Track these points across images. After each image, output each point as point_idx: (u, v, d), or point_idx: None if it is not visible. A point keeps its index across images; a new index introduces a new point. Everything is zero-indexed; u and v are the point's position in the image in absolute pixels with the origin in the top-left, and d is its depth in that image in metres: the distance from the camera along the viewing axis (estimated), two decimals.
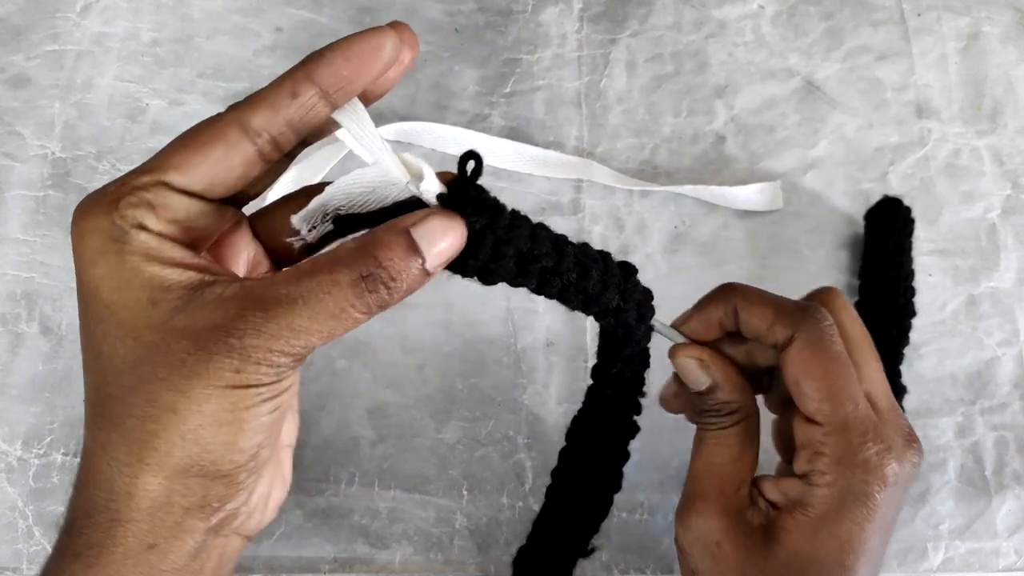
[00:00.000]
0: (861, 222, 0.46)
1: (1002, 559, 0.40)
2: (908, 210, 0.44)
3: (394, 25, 0.25)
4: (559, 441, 0.42)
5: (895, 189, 0.47)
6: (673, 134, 0.48)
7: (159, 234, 0.25)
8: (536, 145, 0.47)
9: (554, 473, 0.35)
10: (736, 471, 0.31)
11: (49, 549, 0.39)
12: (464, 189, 0.25)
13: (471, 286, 0.43)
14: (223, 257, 0.28)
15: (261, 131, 0.25)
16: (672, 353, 0.33)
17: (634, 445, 0.42)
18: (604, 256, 0.29)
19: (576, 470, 0.35)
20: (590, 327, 0.44)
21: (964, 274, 0.45)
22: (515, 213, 0.27)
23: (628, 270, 0.30)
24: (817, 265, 0.45)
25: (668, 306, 0.45)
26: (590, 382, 0.41)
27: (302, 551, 0.40)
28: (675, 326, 0.33)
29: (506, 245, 0.26)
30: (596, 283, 0.28)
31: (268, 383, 0.24)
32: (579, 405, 0.43)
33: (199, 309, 0.24)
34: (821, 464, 0.29)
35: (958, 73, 0.50)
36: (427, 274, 0.24)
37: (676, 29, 0.50)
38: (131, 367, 0.24)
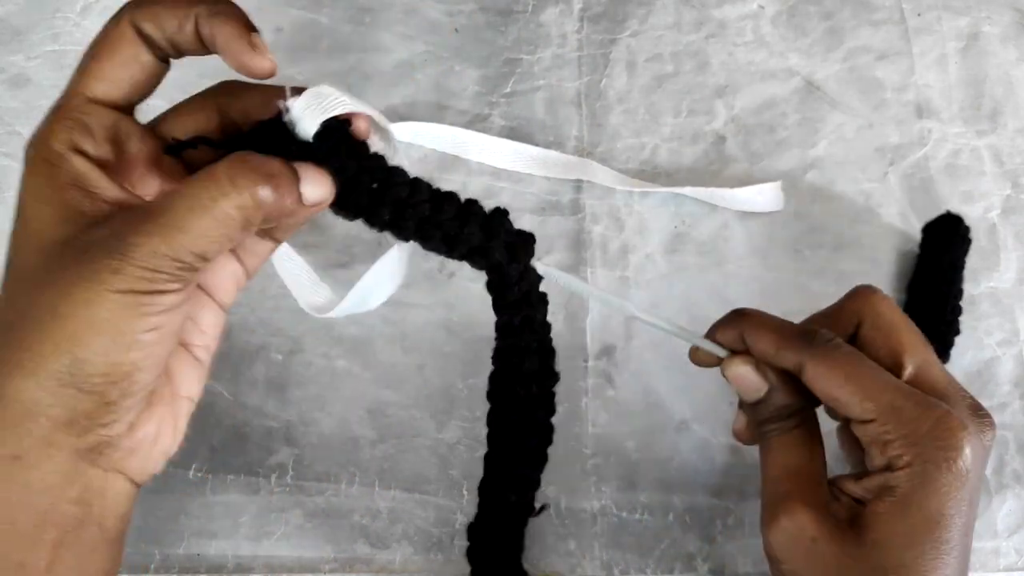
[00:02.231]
0: (860, 222, 0.46)
1: (1002, 559, 0.41)
2: (968, 229, 0.44)
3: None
4: (559, 441, 0.42)
5: (895, 189, 0.47)
6: (673, 134, 0.48)
7: (92, 159, 0.27)
8: (536, 145, 0.47)
9: (488, 438, 0.35)
10: (813, 469, 0.32)
11: None
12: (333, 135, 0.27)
13: (471, 286, 0.43)
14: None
15: (151, 32, 0.27)
16: (724, 367, 0.33)
17: (634, 445, 0.42)
18: (469, 200, 0.30)
19: (505, 430, 0.35)
20: (590, 327, 0.44)
21: (964, 274, 0.45)
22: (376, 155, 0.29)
23: (497, 211, 0.31)
24: (817, 265, 0.45)
25: (668, 306, 0.45)
26: (592, 381, 0.41)
27: (302, 551, 0.40)
28: (692, 351, 0.34)
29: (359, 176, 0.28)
30: (453, 218, 0.29)
31: (149, 291, 0.25)
32: (578, 405, 0.43)
33: (98, 228, 0.25)
34: (893, 451, 0.29)
35: (958, 73, 0.50)
36: (300, 199, 0.26)
37: (676, 29, 0.50)
38: (30, 274, 0.26)
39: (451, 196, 0.30)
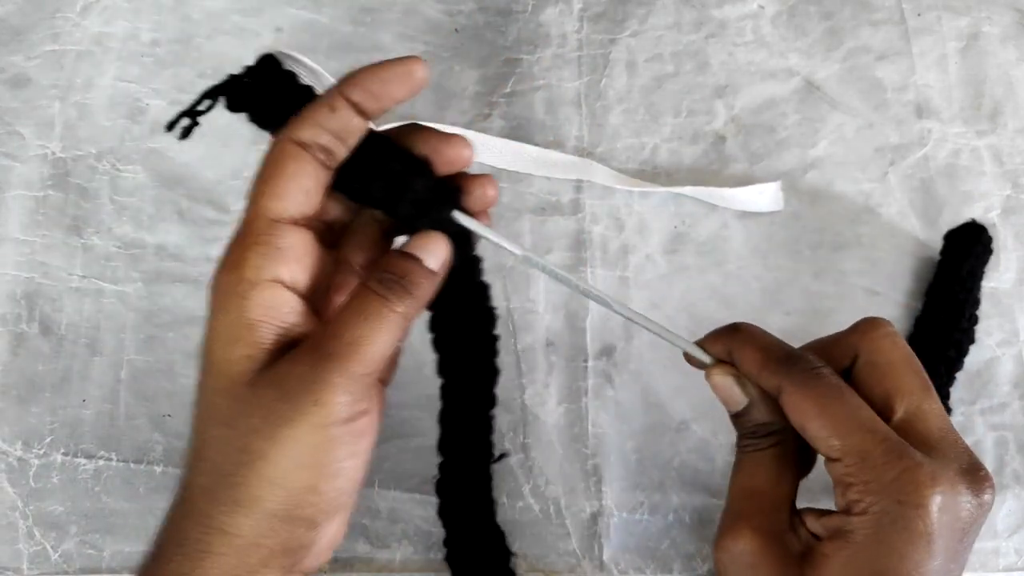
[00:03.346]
0: (860, 222, 0.46)
1: (1002, 559, 0.41)
2: (990, 239, 0.44)
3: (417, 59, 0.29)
4: (559, 441, 0.42)
5: (895, 189, 0.47)
6: (673, 134, 0.48)
7: (288, 286, 0.28)
8: (536, 145, 0.47)
9: (440, 390, 0.35)
10: (775, 494, 0.31)
11: (49, 549, 0.40)
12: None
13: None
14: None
15: (311, 142, 0.28)
16: (707, 374, 0.32)
17: (634, 445, 0.42)
18: (386, 145, 0.31)
19: (452, 376, 0.35)
20: (590, 327, 0.44)
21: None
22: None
23: (414, 161, 0.31)
24: (817, 265, 0.45)
25: (668, 306, 0.45)
26: (591, 381, 0.41)
27: None
28: (685, 354, 0.34)
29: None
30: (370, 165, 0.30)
31: (347, 418, 0.27)
32: (578, 405, 0.43)
33: (290, 363, 0.27)
34: (853, 494, 0.28)
35: (958, 73, 0.50)
36: (430, 271, 0.29)
37: (676, 29, 0.50)
38: (228, 419, 0.27)
39: (379, 140, 0.30)
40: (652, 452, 0.42)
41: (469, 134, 0.46)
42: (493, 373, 0.35)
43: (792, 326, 0.44)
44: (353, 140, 0.29)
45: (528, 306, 0.44)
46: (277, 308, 0.27)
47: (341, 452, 0.27)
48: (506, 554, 0.38)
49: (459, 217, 0.31)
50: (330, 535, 0.30)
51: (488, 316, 0.34)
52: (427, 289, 0.29)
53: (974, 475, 0.28)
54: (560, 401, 0.43)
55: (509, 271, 0.45)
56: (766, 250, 0.46)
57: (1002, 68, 0.50)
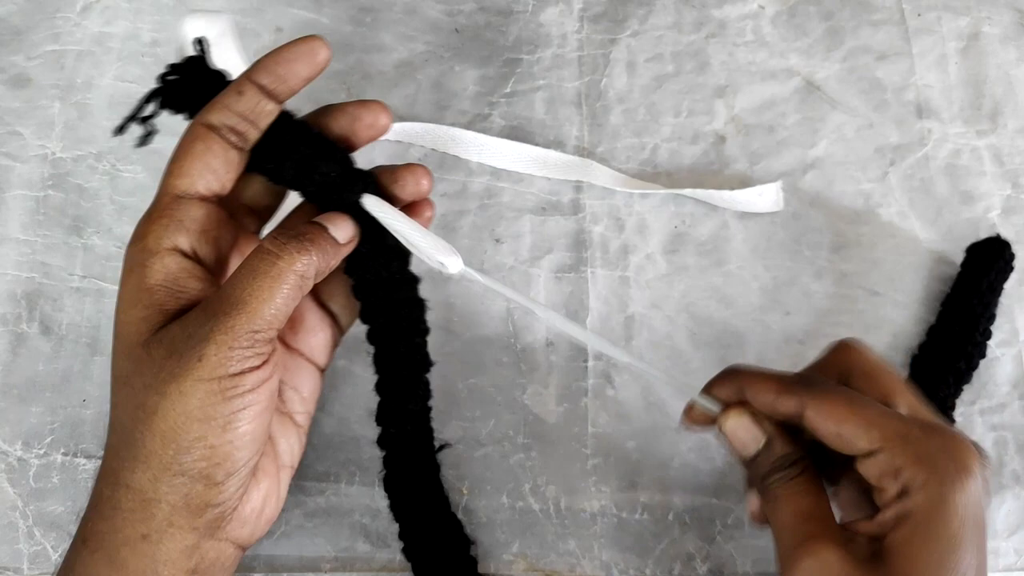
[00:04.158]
0: (860, 222, 0.46)
1: (1002, 559, 0.41)
2: (1012, 255, 0.44)
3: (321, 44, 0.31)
4: (559, 441, 0.42)
5: (895, 189, 0.47)
6: (673, 134, 0.48)
7: (187, 254, 0.30)
8: (536, 145, 0.47)
9: (376, 386, 0.36)
10: (824, 511, 0.31)
11: (49, 549, 0.40)
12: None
13: (471, 286, 0.43)
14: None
15: (220, 124, 0.30)
16: (721, 421, 0.32)
17: (634, 445, 0.42)
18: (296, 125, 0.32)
19: (386, 371, 0.36)
20: (590, 327, 0.44)
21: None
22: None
23: (320, 140, 0.32)
24: (817, 265, 0.45)
25: (668, 306, 0.45)
26: (591, 381, 0.41)
27: (303, 550, 0.40)
28: (687, 410, 0.34)
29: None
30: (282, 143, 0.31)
31: (235, 372, 0.27)
32: (578, 405, 0.43)
33: (180, 324, 0.28)
34: (906, 474, 0.28)
35: (958, 73, 0.50)
36: (331, 238, 0.30)
37: (676, 29, 0.50)
38: (127, 378, 0.28)
39: (292, 122, 0.32)
40: (652, 452, 0.42)
41: (469, 135, 0.47)
42: (425, 364, 0.36)
43: (792, 326, 0.44)
44: (264, 122, 0.31)
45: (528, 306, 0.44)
46: (174, 274, 0.29)
47: (230, 406, 0.28)
48: (465, 543, 0.38)
49: (368, 203, 0.32)
50: (254, 503, 0.31)
51: (413, 305, 0.35)
52: (326, 252, 0.30)
53: (976, 449, 0.30)
54: (560, 401, 0.43)
55: (509, 271, 0.45)
56: (766, 250, 0.46)
57: (1002, 68, 0.50)
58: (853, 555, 0.29)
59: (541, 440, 0.42)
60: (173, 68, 0.32)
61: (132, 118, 0.32)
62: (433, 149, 0.47)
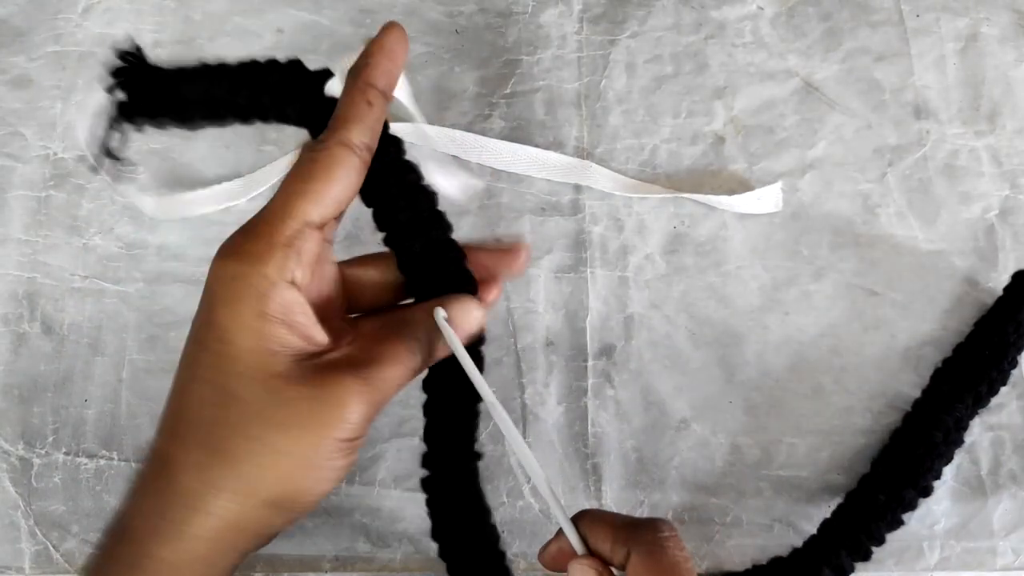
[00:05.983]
0: (859, 222, 0.46)
1: (999, 558, 0.41)
2: None
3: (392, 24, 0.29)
4: (559, 441, 0.42)
5: (893, 190, 0.47)
6: (672, 135, 0.48)
7: (299, 288, 0.27)
8: (536, 146, 0.47)
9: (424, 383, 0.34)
10: None
11: (51, 548, 0.40)
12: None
13: None
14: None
15: (360, 144, 0.27)
16: (570, 568, 0.30)
17: (634, 445, 0.42)
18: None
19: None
20: (590, 327, 0.44)
21: (962, 274, 0.45)
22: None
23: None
24: (816, 265, 0.45)
25: (668, 306, 0.45)
26: (591, 381, 0.41)
27: (303, 550, 0.40)
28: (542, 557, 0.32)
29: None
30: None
31: (360, 435, 0.27)
32: (578, 405, 0.43)
33: (311, 371, 0.27)
34: None
35: (956, 74, 0.50)
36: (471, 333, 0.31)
37: (676, 30, 0.51)
38: (248, 405, 0.26)
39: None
40: (652, 452, 0.42)
41: (469, 136, 0.47)
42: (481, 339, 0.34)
43: (791, 326, 0.44)
44: (379, 132, 0.29)
45: (528, 306, 0.44)
46: (289, 306, 0.27)
47: (345, 462, 0.28)
48: (502, 555, 0.37)
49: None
50: None
51: (440, 223, 0.32)
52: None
53: None
54: (560, 401, 0.43)
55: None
56: (765, 250, 0.46)
57: (1000, 69, 0.50)
58: None
59: (541, 440, 0.42)
60: (116, 72, 0.30)
61: (107, 154, 0.31)
62: (432, 150, 0.47)
